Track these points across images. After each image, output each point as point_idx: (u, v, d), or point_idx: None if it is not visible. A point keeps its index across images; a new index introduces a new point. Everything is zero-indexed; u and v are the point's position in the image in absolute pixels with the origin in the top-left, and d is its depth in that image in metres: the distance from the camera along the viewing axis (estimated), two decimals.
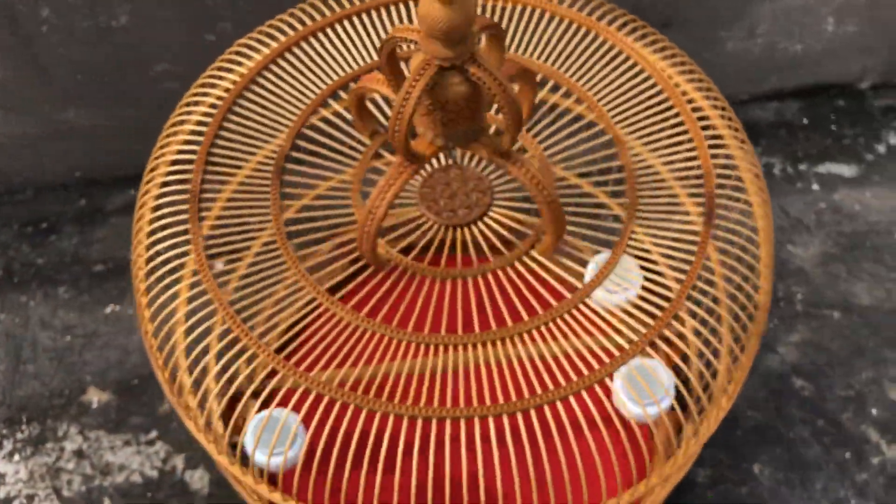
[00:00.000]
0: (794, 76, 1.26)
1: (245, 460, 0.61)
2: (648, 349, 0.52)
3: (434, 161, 0.64)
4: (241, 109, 0.67)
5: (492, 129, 0.63)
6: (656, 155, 0.64)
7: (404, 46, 0.64)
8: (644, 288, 0.57)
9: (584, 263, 0.72)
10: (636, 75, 0.69)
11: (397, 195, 0.51)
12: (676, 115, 0.65)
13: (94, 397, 1.03)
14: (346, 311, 0.55)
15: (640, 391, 0.58)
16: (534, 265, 0.57)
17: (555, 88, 0.69)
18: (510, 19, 0.71)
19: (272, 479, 0.61)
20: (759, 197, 0.64)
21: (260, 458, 0.60)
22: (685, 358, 0.62)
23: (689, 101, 0.67)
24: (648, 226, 0.59)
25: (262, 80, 0.68)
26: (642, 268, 0.65)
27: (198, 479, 0.96)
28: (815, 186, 1.20)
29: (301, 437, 0.65)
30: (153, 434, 0.99)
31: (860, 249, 1.14)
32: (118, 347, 1.07)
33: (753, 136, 1.27)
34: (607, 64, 0.70)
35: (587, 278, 0.60)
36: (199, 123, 0.67)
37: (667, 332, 0.54)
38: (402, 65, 0.51)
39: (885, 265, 1.13)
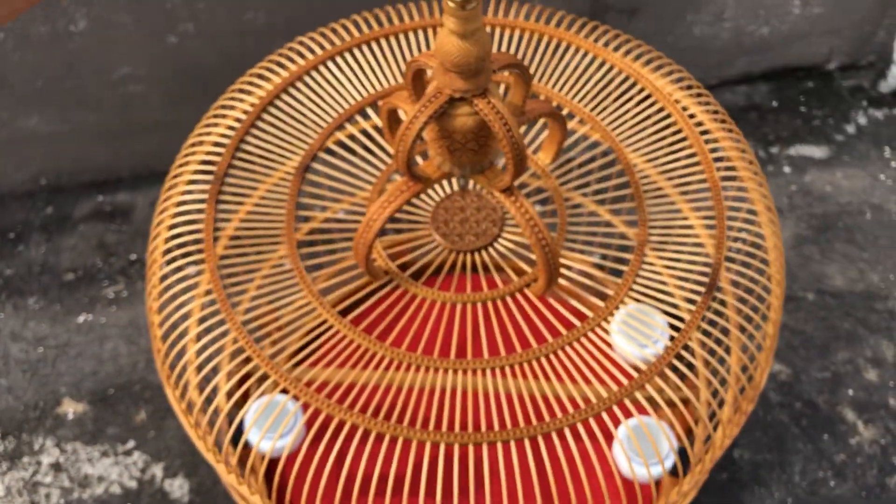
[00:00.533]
0: (763, 59, 1.26)
1: (254, 475, 0.61)
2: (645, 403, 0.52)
3: (454, 185, 0.64)
4: (259, 131, 0.67)
5: (502, 163, 0.64)
6: (666, 178, 0.63)
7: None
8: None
9: (598, 295, 0.70)
10: (639, 97, 0.68)
11: (397, 211, 0.51)
12: (684, 138, 0.65)
13: (70, 409, 1.02)
14: (355, 332, 0.55)
15: (643, 448, 0.58)
16: (529, 299, 0.57)
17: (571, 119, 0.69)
18: (513, 45, 0.71)
19: (272, 466, 0.61)
20: (770, 229, 0.63)
21: (261, 442, 0.59)
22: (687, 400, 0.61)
23: (699, 126, 0.66)
24: (661, 253, 0.59)
25: (280, 103, 0.68)
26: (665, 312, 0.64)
27: (178, 488, 0.95)
28: (787, 169, 1.21)
29: (299, 418, 0.64)
30: (131, 444, 0.98)
31: (832, 231, 1.15)
32: (92, 357, 1.06)
33: None
34: (604, 82, 0.69)
35: (614, 327, 0.59)
36: (217, 144, 0.66)
37: (666, 389, 0.54)
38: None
39: (857, 245, 1.13)
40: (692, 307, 0.55)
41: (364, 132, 0.70)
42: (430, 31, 0.71)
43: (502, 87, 0.65)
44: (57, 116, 1.08)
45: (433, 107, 0.46)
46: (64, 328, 1.08)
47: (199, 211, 0.62)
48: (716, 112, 0.68)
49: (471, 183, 0.65)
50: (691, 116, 0.67)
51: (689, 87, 0.69)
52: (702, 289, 0.56)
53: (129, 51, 1.01)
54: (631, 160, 0.64)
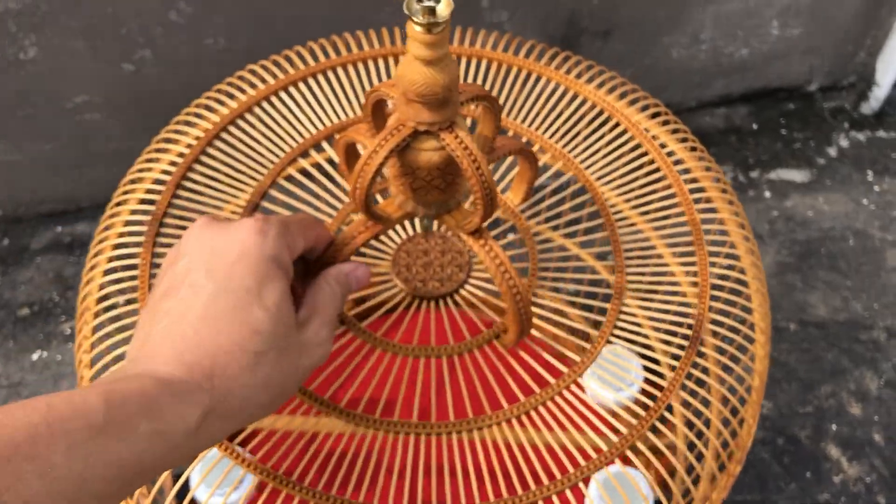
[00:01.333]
0: (742, 80, 1.23)
1: None
2: (629, 453, 0.48)
3: (417, 225, 0.59)
4: (204, 167, 0.61)
5: (468, 202, 0.58)
6: (643, 217, 0.58)
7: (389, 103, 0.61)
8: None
9: (573, 333, 0.65)
10: (619, 136, 0.63)
11: (353, 253, 0.47)
12: (662, 176, 0.60)
13: None
14: (306, 395, 0.49)
15: (618, 500, 0.53)
16: (498, 352, 0.52)
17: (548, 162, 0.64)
18: (487, 77, 0.67)
19: None
20: (756, 282, 0.58)
21: (210, 499, 0.55)
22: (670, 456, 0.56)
23: (670, 156, 0.61)
24: (640, 299, 0.53)
25: (228, 136, 0.62)
26: (640, 355, 0.59)
27: None
28: (768, 194, 1.17)
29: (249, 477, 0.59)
30: None
31: (815, 257, 1.12)
32: None
33: (703, 143, 1.24)
34: (578, 118, 0.64)
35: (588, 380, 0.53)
36: (157, 181, 0.61)
37: (650, 437, 0.49)
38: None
39: (839, 272, 1.10)
40: (673, 361, 0.51)
41: (319, 167, 0.65)
42: (391, 60, 0.68)
43: (469, 121, 0.61)
44: (11, 146, 1.04)
45: (395, 140, 0.42)
46: (17, 366, 1.03)
47: (137, 256, 0.58)
48: (693, 147, 0.63)
49: (435, 224, 0.60)
50: (663, 146, 0.63)
51: (661, 119, 0.65)
52: (682, 339, 0.52)
53: (84, 78, 0.98)
54: (605, 197, 0.60)
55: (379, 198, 0.63)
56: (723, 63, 1.18)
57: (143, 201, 0.62)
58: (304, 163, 0.63)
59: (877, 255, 1.12)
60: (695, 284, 0.54)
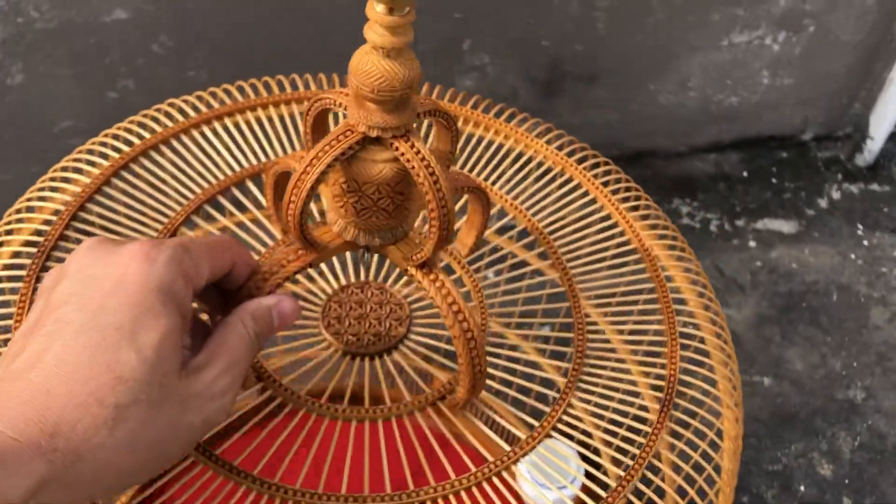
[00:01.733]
0: (733, 128, 1.22)
1: None
2: None
3: (350, 274, 0.53)
4: (105, 199, 0.55)
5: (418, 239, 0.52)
6: (609, 320, 0.53)
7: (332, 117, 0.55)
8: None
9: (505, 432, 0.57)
10: (594, 214, 0.58)
11: (281, 284, 0.40)
12: (642, 269, 0.54)
13: None
14: (219, 466, 0.42)
15: None
16: (443, 417, 0.45)
17: (506, 227, 0.60)
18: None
19: None
20: (730, 400, 0.52)
21: None
22: None
23: (661, 266, 0.56)
24: (590, 401, 0.48)
25: (136, 168, 0.57)
26: (581, 456, 0.52)
27: None
28: (752, 243, 1.16)
29: None
30: None
31: (796, 311, 1.10)
32: None
33: (691, 189, 1.23)
34: (557, 195, 0.60)
35: (523, 471, 0.45)
36: (27, 244, 0.52)
37: None
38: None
39: (821, 328, 1.08)
40: (621, 457, 0.45)
41: (239, 205, 0.57)
42: (271, 110, 0.62)
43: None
44: (2, 166, 1.06)
45: (341, 146, 0.36)
46: None
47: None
48: (673, 246, 0.57)
49: (372, 266, 0.54)
50: (632, 227, 0.57)
51: (641, 211, 0.58)
52: (632, 433, 0.46)
53: (69, 105, 1.00)
54: (571, 276, 0.54)
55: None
56: (712, 110, 1.18)
57: (35, 232, 0.54)
58: (223, 200, 0.57)
59: (861, 311, 1.10)
60: (656, 389, 0.49)
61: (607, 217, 0.58)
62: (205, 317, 0.41)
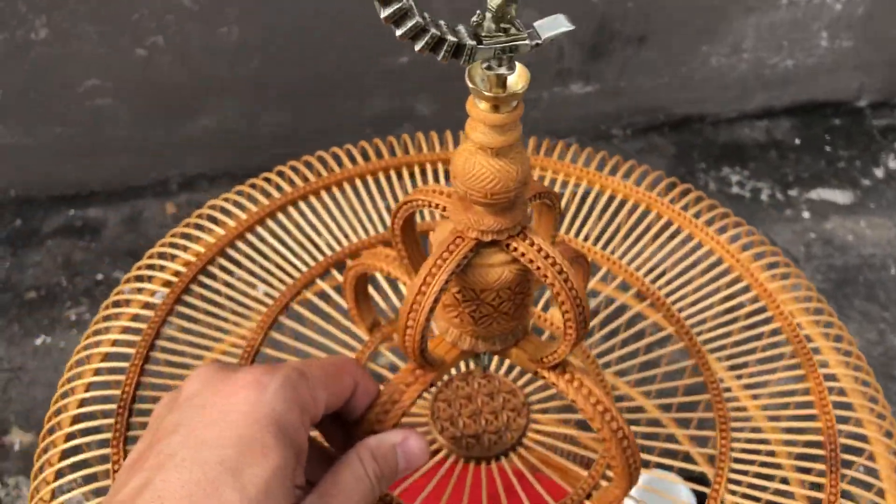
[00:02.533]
0: (786, 93, 1.16)
1: None
2: None
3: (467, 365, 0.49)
4: (192, 298, 0.51)
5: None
6: (757, 403, 0.47)
7: (419, 215, 0.50)
8: None
9: None
10: (724, 278, 0.52)
11: (402, 416, 0.36)
12: (785, 342, 0.48)
13: (17, 439, 0.96)
14: None
15: None
16: None
17: (623, 287, 0.54)
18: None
19: None
20: None
21: None
22: None
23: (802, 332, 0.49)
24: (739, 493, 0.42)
25: (216, 265, 0.53)
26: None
27: None
28: (806, 214, 1.11)
29: None
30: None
31: (852, 285, 1.05)
32: (45, 384, 1.00)
33: (741, 157, 1.18)
34: (684, 259, 0.53)
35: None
36: (135, 318, 0.50)
37: None
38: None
39: (878, 303, 1.03)
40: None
41: (323, 295, 0.52)
42: (393, 174, 0.56)
43: None
44: (22, 129, 1.02)
45: (456, 257, 0.32)
46: (19, 350, 1.02)
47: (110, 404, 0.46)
48: (842, 350, 0.49)
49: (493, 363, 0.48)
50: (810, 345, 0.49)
51: (811, 304, 0.50)
52: None
53: (95, 63, 0.95)
54: (714, 372, 0.47)
55: None
56: (765, 74, 1.12)
57: (125, 330, 0.51)
58: (308, 295, 0.52)
59: None
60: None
61: (723, 266, 0.52)
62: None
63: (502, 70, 0.29)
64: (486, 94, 0.29)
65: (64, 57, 0.94)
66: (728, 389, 0.48)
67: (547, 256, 0.33)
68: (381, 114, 1.07)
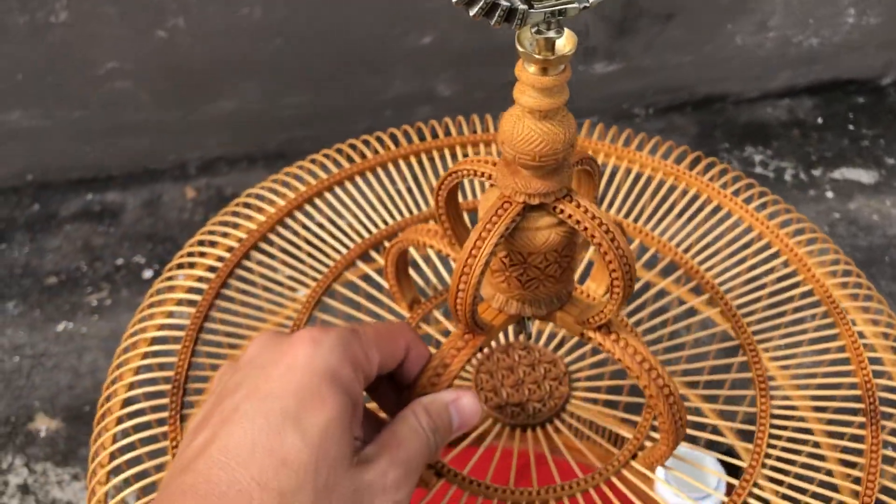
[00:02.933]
0: (809, 71, 1.15)
1: None
2: None
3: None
4: (239, 281, 0.51)
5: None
6: (802, 394, 0.46)
7: (460, 194, 0.48)
8: None
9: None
10: (754, 245, 0.52)
11: (454, 380, 0.37)
12: (818, 303, 0.48)
13: (43, 425, 0.96)
14: None
15: None
16: (637, 481, 0.41)
17: (668, 270, 0.53)
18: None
19: None
20: None
21: None
22: None
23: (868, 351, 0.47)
24: (781, 482, 0.41)
25: (267, 242, 0.53)
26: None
27: None
28: (830, 194, 1.10)
29: None
30: None
31: (877, 266, 1.04)
32: (69, 370, 0.99)
33: (764, 136, 1.17)
34: (732, 242, 0.52)
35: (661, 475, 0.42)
36: (191, 291, 0.50)
37: None
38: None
39: None
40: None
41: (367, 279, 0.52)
42: (424, 156, 0.56)
43: None
44: (40, 111, 1.01)
45: (505, 221, 0.33)
46: (42, 336, 1.02)
47: (166, 380, 0.46)
48: (867, 292, 0.49)
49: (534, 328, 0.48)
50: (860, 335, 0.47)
51: (851, 288, 0.49)
52: None
53: (114, 45, 0.94)
54: (744, 325, 0.47)
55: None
56: (790, 52, 1.11)
57: (170, 314, 0.51)
58: (351, 276, 0.52)
59: None
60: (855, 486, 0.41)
61: (773, 252, 0.51)
62: (382, 414, 0.38)
63: (551, 33, 0.30)
64: (536, 56, 0.30)
65: (84, 39, 0.92)
66: (762, 351, 0.47)
67: (594, 217, 0.33)
68: (401, 95, 1.05)
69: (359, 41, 0.98)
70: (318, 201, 0.55)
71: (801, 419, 0.45)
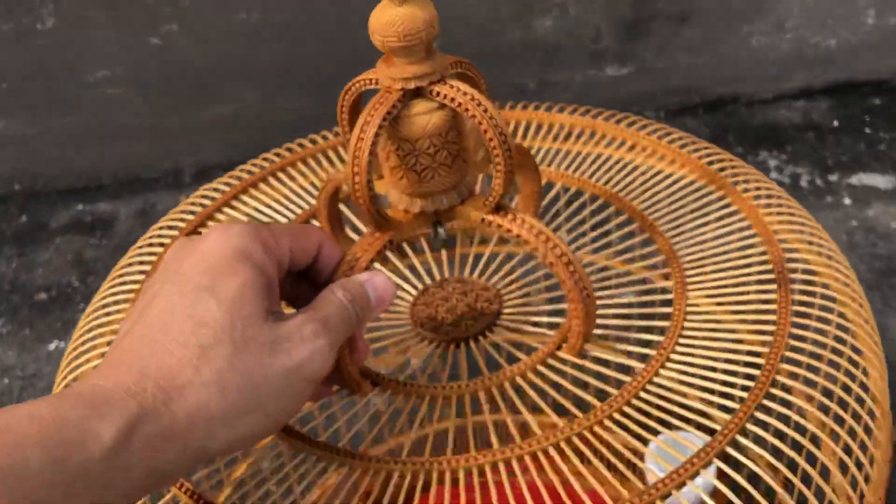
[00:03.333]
0: (825, 72, 1.12)
1: None
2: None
3: (426, 278, 0.52)
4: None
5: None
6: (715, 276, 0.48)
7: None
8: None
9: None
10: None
11: (368, 267, 0.40)
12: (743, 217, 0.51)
13: None
14: None
15: None
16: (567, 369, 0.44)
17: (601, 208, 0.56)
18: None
19: None
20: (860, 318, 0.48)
21: None
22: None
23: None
24: (706, 291, 0.45)
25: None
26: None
27: None
28: (847, 200, 1.07)
29: None
30: None
31: None
32: None
33: (778, 140, 1.14)
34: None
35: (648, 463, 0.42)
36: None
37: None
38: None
39: None
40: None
41: None
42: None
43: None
44: (28, 119, 0.96)
45: (386, 105, 0.37)
46: (32, 357, 0.97)
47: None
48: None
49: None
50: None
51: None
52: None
53: (106, 51, 0.89)
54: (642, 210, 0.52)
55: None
56: (806, 53, 1.07)
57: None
58: None
59: None
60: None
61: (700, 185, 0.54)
62: None
63: None
64: None
65: (73, 46, 0.88)
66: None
67: (465, 93, 0.37)
68: None
69: (358, 45, 0.94)
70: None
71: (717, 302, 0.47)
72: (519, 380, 0.43)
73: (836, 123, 1.13)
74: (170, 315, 0.31)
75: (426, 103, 0.38)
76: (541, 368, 0.43)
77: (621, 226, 0.54)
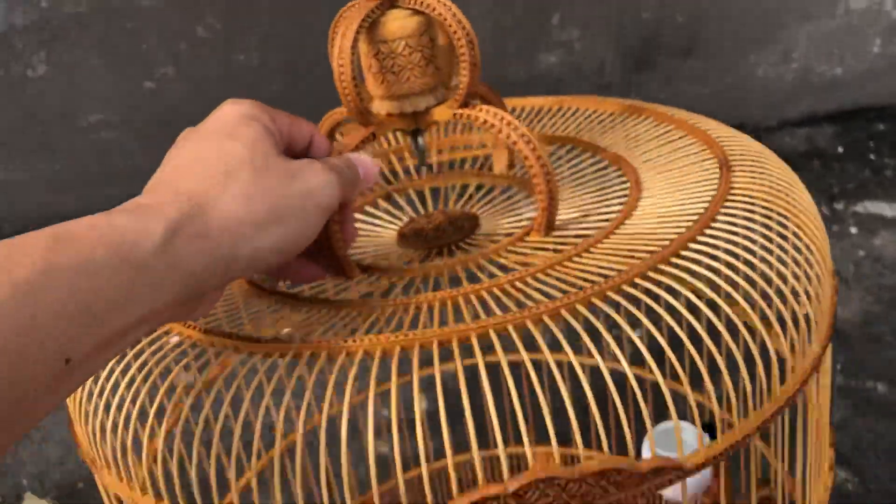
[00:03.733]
0: (830, 99, 1.10)
1: None
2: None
3: (409, 210, 0.57)
4: None
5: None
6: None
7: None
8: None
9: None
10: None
11: (354, 150, 0.45)
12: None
13: None
14: None
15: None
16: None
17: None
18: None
19: None
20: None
21: None
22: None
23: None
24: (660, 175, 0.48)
25: None
26: None
27: None
28: (854, 230, 1.06)
29: None
30: None
31: None
32: (59, 443, 0.93)
33: None
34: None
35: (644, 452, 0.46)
36: None
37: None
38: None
39: None
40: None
41: None
42: None
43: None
44: (19, 163, 0.94)
45: (365, 9, 0.42)
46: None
47: None
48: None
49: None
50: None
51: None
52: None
53: (99, 97, 0.87)
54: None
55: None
56: (812, 82, 1.06)
57: None
58: None
59: None
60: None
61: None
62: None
63: None
64: None
65: (66, 92, 0.85)
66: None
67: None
68: None
69: None
70: None
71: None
72: (493, 256, 0.47)
73: (840, 150, 1.12)
74: (196, 154, 0.35)
75: (401, 11, 0.44)
76: (512, 247, 0.47)
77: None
